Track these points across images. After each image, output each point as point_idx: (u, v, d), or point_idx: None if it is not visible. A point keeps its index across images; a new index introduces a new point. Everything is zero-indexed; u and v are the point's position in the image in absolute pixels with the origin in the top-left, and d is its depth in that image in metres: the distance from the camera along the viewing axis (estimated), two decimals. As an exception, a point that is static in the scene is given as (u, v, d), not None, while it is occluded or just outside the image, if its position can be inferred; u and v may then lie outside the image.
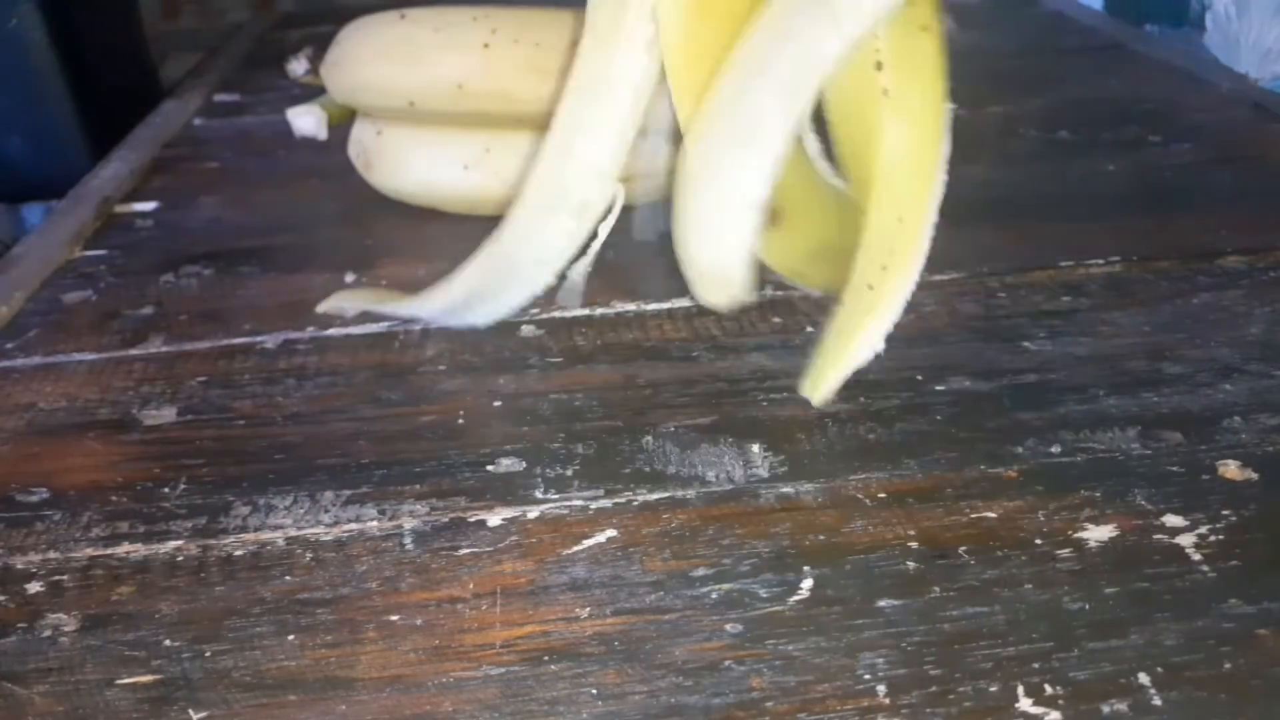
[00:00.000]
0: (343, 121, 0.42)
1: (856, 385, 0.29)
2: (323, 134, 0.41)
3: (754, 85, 0.24)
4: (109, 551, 0.25)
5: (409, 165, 0.40)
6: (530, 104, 0.37)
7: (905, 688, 0.20)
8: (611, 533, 0.24)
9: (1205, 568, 0.22)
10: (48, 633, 0.22)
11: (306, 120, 0.41)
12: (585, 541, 0.24)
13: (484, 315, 0.32)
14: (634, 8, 0.26)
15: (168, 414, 0.30)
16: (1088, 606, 0.21)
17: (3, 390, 0.31)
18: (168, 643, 0.22)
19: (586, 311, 0.34)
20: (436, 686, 0.21)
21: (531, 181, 0.28)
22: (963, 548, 0.23)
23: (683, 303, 0.34)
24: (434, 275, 0.37)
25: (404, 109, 0.38)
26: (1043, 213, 0.38)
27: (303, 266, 0.38)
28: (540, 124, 0.38)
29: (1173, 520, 0.24)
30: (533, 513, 0.25)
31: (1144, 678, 0.20)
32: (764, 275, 0.35)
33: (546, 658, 0.21)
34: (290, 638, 0.22)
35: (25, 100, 0.58)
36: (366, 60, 0.39)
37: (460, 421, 0.29)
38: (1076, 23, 0.65)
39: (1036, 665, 0.20)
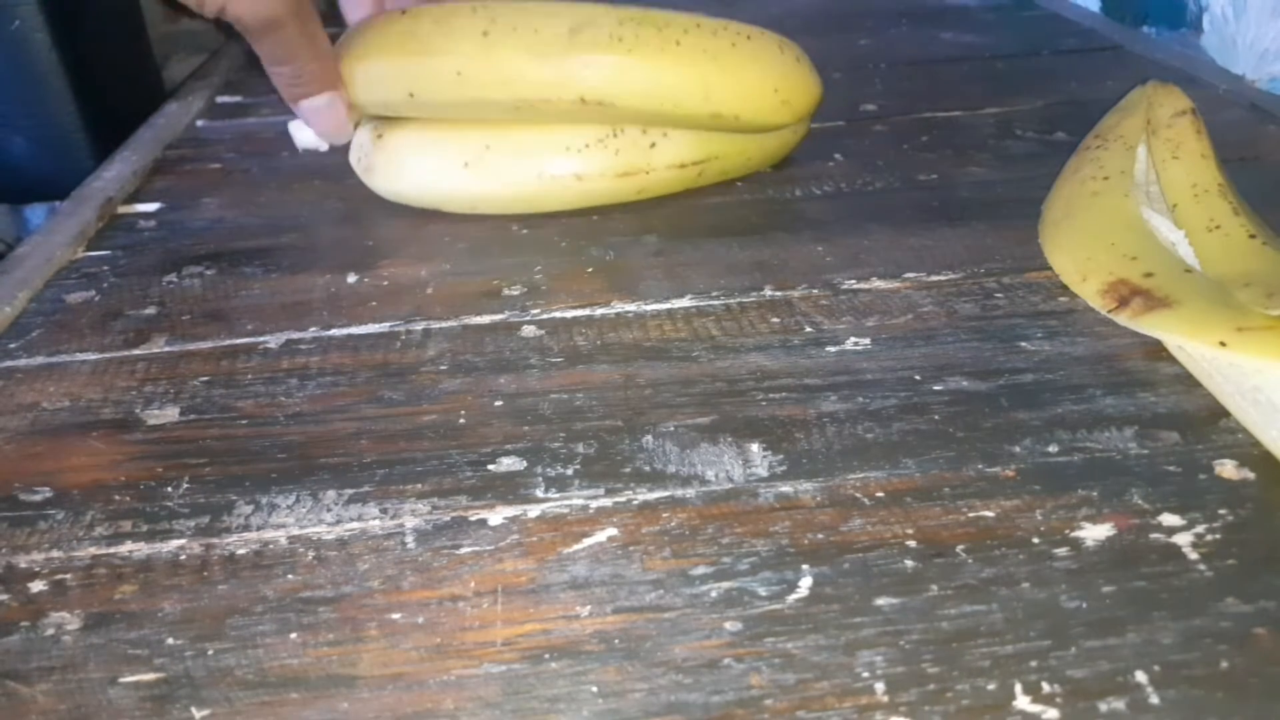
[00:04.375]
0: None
1: (855, 385, 0.29)
2: (324, 145, 0.41)
3: None
4: (112, 550, 0.25)
5: (409, 165, 0.40)
6: (529, 88, 0.37)
7: (903, 685, 0.20)
8: (612, 531, 0.24)
9: (1202, 567, 0.22)
10: (50, 631, 0.23)
11: (308, 133, 0.41)
12: (585, 540, 0.24)
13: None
14: None
15: (170, 413, 0.30)
16: (1085, 605, 0.22)
17: (6, 390, 0.32)
18: (170, 641, 0.22)
19: (586, 311, 0.34)
20: (438, 684, 0.21)
21: None
22: (960, 546, 0.23)
23: (683, 303, 0.34)
24: (436, 275, 0.37)
25: (405, 101, 0.39)
26: (1040, 213, 0.38)
27: (305, 267, 0.38)
28: (537, 111, 0.38)
29: (1170, 519, 0.24)
30: (533, 512, 0.25)
31: (1141, 676, 0.20)
32: (762, 275, 0.36)
33: (547, 655, 0.21)
34: (293, 636, 0.22)
35: (28, 101, 0.58)
36: (367, 54, 0.39)
37: (461, 421, 0.29)
38: (1074, 24, 0.65)
39: (1034, 663, 0.20)
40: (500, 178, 0.40)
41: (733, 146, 0.42)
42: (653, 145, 0.40)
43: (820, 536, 0.24)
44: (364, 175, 0.42)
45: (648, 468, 0.26)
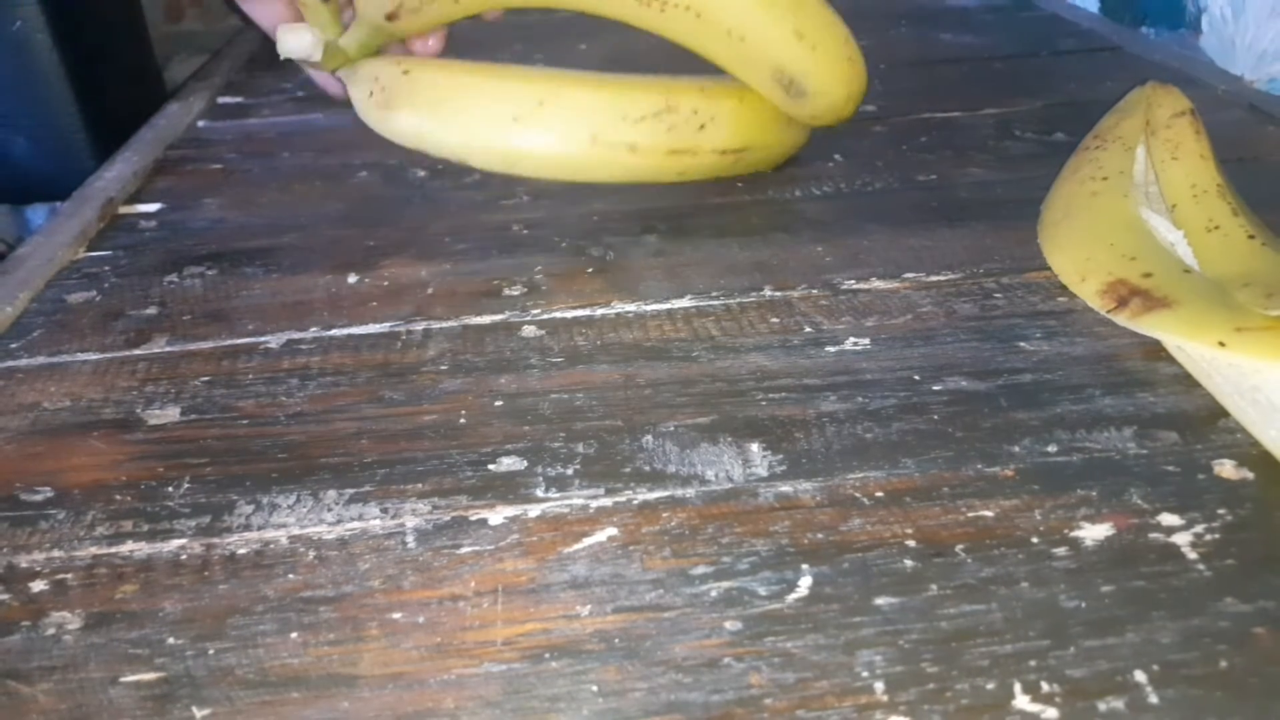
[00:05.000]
0: (344, 65, 0.41)
1: (854, 385, 0.29)
2: (316, 55, 0.39)
3: None
4: (113, 550, 0.25)
5: (447, 109, 0.39)
6: None
7: (903, 685, 0.20)
8: (612, 531, 0.25)
9: (1201, 566, 0.22)
10: (51, 631, 0.23)
11: (301, 37, 0.38)
12: (586, 540, 0.24)
13: None
14: None
15: (171, 413, 0.30)
16: (1084, 605, 0.22)
17: (7, 390, 0.32)
18: (171, 641, 0.22)
19: (587, 312, 0.34)
20: (438, 684, 0.21)
21: None
22: (960, 546, 0.23)
23: (683, 303, 0.34)
24: (436, 275, 0.37)
25: None
26: (1039, 214, 0.38)
27: (306, 267, 0.38)
28: None
29: (1169, 519, 0.24)
30: (534, 511, 0.25)
31: (1140, 675, 0.20)
32: (764, 276, 0.36)
33: (547, 655, 0.21)
34: (293, 635, 0.22)
35: (29, 102, 0.58)
36: None
37: (462, 421, 0.29)
38: (1073, 25, 0.65)
39: (1033, 663, 0.20)
40: (551, 137, 0.39)
41: (767, 138, 0.42)
42: (701, 127, 0.40)
43: (820, 536, 0.24)
44: (377, 111, 0.40)
45: (648, 468, 0.27)
